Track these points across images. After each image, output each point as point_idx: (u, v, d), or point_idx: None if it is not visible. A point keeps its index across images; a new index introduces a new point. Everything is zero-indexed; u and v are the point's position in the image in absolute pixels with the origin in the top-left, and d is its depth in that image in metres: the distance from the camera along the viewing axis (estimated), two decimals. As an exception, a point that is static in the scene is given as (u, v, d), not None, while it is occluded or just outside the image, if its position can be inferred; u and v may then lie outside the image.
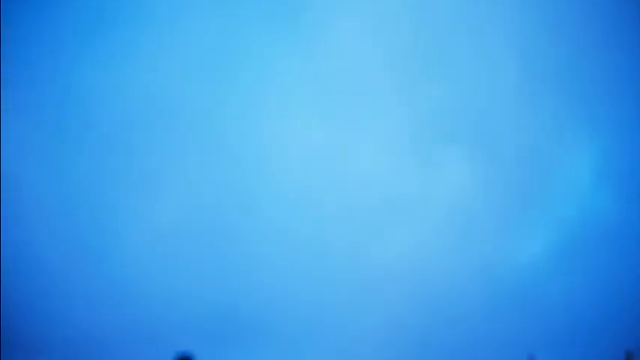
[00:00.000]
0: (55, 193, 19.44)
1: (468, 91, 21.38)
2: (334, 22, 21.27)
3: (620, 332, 18.12)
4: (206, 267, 19.50)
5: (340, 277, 19.62)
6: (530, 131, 21.24)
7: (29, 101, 19.64)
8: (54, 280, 18.53)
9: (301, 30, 21.49)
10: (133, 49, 20.61)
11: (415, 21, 21.28)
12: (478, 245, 20.02)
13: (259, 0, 21.26)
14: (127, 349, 18.07)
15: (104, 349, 18.03)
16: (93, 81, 20.06)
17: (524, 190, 20.83)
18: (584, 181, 21.32)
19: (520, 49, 21.30)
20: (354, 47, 21.25)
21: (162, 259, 19.20)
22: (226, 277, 19.42)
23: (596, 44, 21.11)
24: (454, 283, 19.49)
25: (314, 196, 20.49)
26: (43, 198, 19.48)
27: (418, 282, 19.67)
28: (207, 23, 21.26)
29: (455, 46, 21.69)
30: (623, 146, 21.05)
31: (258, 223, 20.09)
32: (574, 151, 21.75)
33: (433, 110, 21.20)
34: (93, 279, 18.73)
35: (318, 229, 20.25)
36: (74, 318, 18.09)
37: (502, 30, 21.45)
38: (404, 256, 19.94)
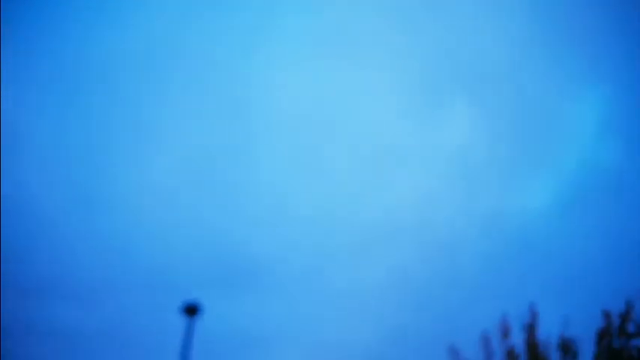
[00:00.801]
0: (58, 143, 19.78)
1: (472, 41, 21.21)
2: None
3: (621, 281, 18.07)
4: (208, 218, 19.78)
5: (343, 229, 19.77)
6: (535, 82, 21.06)
7: (32, 52, 19.91)
8: (60, 229, 18.92)
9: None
10: (139, 3, 20.75)
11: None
12: (481, 196, 20.01)
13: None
14: (135, 295, 18.43)
15: (111, 295, 18.41)
16: (97, 32, 20.29)
17: (527, 141, 20.73)
18: (588, 132, 21.15)
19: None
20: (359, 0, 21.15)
21: (165, 208, 19.53)
22: (230, 226, 19.70)
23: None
24: (457, 234, 19.55)
25: (316, 148, 20.61)
26: (46, 148, 19.81)
27: (422, 232, 19.75)
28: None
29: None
30: (627, 97, 20.80)
31: (260, 175, 20.30)
32: (577, 102, 21.55)
33: (437, 60, 21.11)
34: (98, 227, 19.12)
35: (320, 180, 20.40)
36: (79, 264, 18.48)
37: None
38: (408, 207, 20.03)
